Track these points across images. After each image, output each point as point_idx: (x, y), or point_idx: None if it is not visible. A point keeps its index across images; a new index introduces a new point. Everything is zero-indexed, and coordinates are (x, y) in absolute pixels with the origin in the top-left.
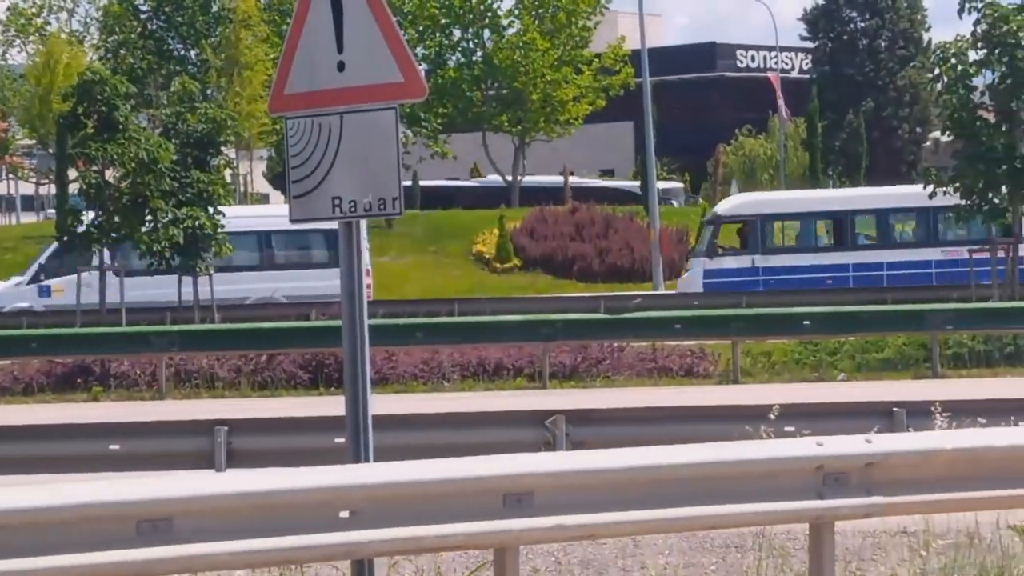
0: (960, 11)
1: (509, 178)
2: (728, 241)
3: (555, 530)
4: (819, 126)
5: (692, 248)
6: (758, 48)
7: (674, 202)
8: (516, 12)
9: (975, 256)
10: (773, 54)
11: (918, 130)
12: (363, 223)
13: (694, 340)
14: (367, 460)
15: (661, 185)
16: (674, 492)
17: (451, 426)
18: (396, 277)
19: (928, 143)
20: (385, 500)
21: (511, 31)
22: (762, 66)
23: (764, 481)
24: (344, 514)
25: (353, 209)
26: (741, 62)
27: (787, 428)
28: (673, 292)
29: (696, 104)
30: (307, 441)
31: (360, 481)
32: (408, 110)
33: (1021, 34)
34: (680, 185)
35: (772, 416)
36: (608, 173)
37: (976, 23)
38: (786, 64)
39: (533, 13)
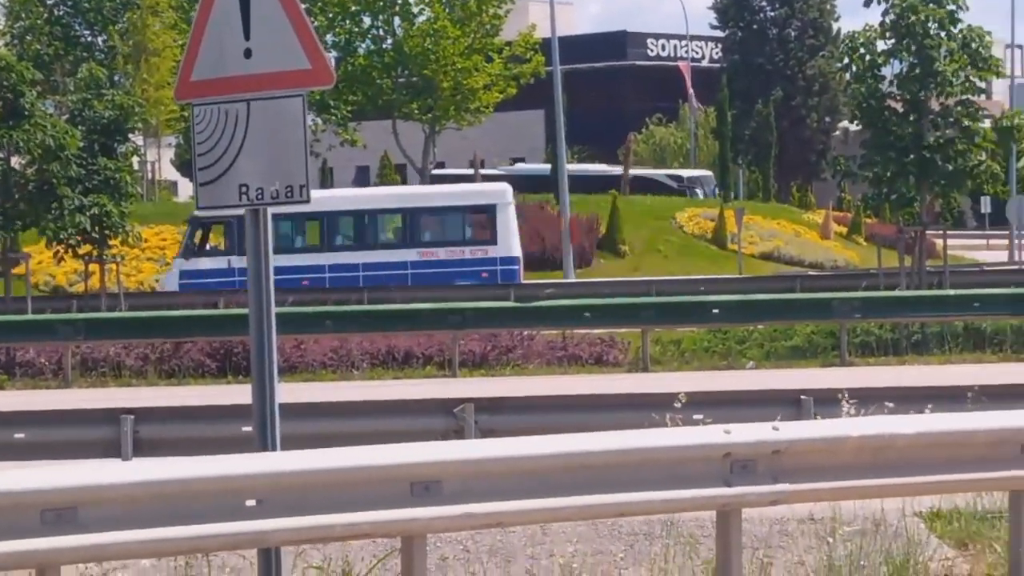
0: (868, 1)
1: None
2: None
3: (463, 518)
4: (729, 115)
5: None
6: (669, 37)
7: (698, 191)
8: (426, 0)
9: (426, 257)
10: (684, 43)
11: (827, 119)
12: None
13: (604, 328)
14: (274, 449)
15: (688, 173)
16: (582, 480)
17: (360, 415)
18: None
19: (837, 132)
20: (292, 489)
21: (421, 19)
22: (673, 55)
23: (672, 469)
24: (251, 502)
25: (260, 197)
26: (652, 51)
27: (696, 416)
28: (584, 280)
29: (607, 93)
30: (214, 430)
31: (267, 470)
32: (317, 97)
33: (929, 24)
34: (709, 173)
35: (679, 404)
36: (518, 161)
37: (884, 13)
38: (696, 53)
39: (444, 1)
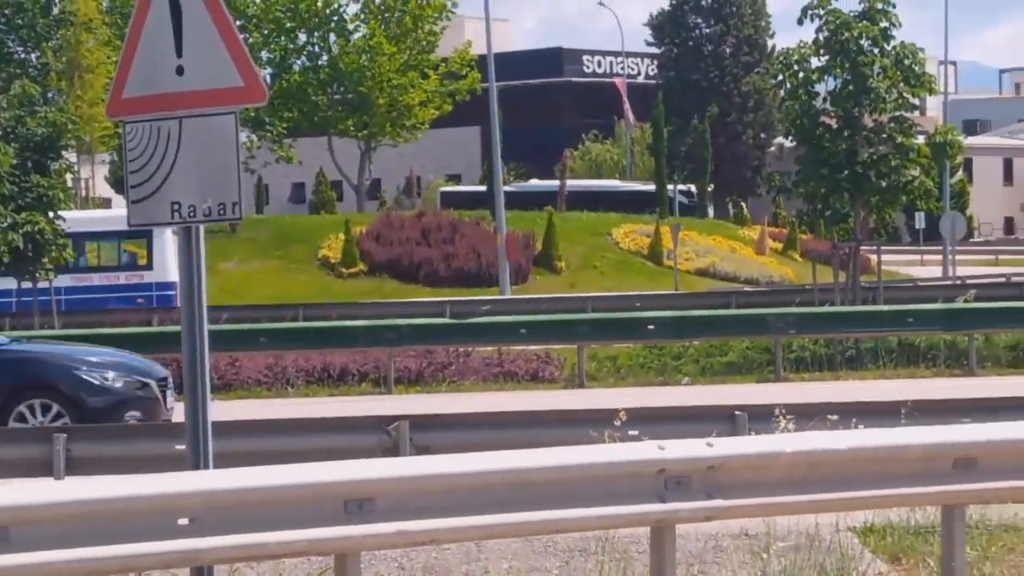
0: (802, 18)
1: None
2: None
3: (397, 536)
4: (665, 131)
5: None
6: (605, 54)
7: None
8: (362, 16)
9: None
10: (620, 60)
11: (763, 136)
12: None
13: (540, 345)
14: (207, 467)
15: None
16: (517, 497)
17: (294, 432)
18: (240, 282)
19: (772, 148)
20: (225, 507)
21: (357, 35)
22: (609, 71)
23: (607, 485)
24: (183, 521)
25: (192, 214)
26: (588, 67)
27: (631, 432)
28: (520, 297)
29: (543, 109)
30: (147, 448)
31: (199, 488)
32: (252, 114)
33: (862, 41)
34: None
35: (619, 421)
36: (455, 178)
37: (818, 30)
38: (632, 70)
39: (379, 17)
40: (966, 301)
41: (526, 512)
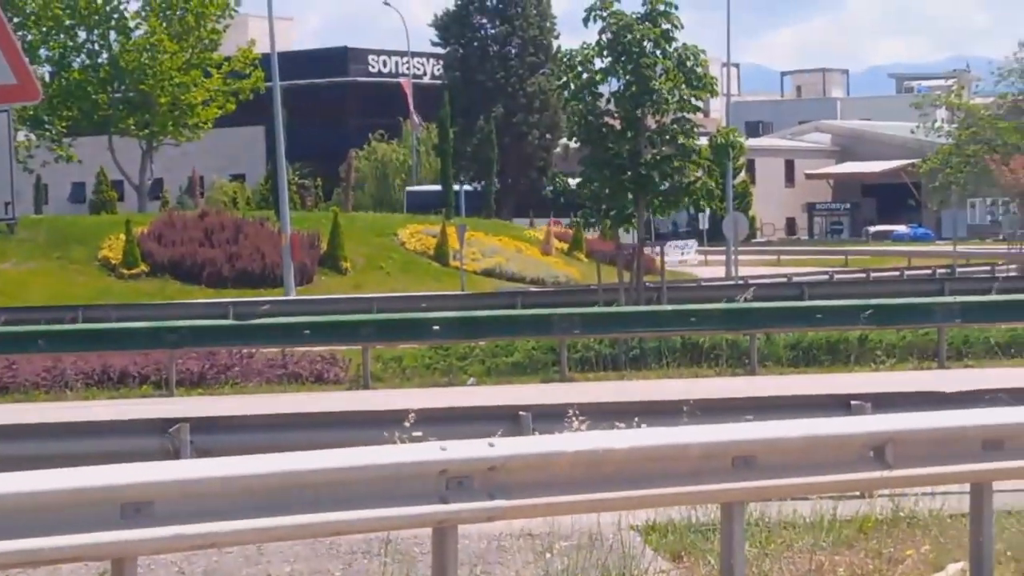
0: (586, 20)
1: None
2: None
3: (175, 540)
4: (451, 131)
5: None
6: (391, 53)
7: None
8: (143, 14)
9: None
10: (405, 59)
11: (548, 136)
12: None
13: (324, 346)
14: None
15: None
16: (298, 499)
17: (71, 436)
18: (18, 284)
19: (558, 149)
20: None
21: (138, 33)
22: (395, 71)
23: (389, 486)
24: None
25: None
26: (373, 67)
27: (415, 433)
28: (305, 298)
29: (328, 109)
30: None
31: None
32: (31, 113)
33: (645, 43)
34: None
35: (408, 423)
36: (239, 178)
37: (601, 31)
38: (418, 70)
39: (161, 15)
40: (745, 301)
41: (307, 514)
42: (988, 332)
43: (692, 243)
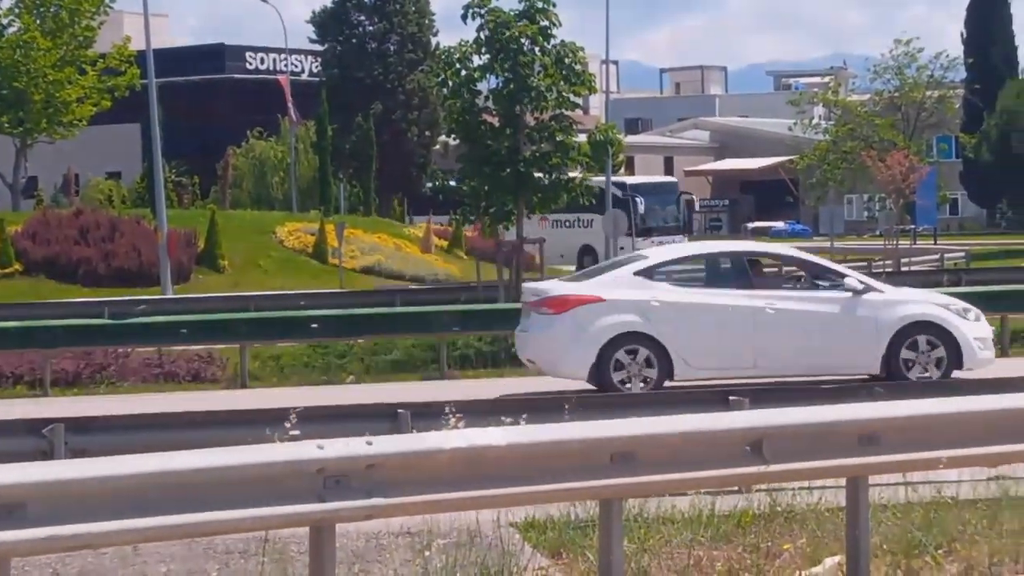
0: (464, 17)
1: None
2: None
3: (48, 541)
4: (329, 129)
5: None
6: (268, 50)
7: (639, 200)
8: (16, 11)
9: None
10: (283, 56)
11: (427, 133)
12: None
13: (202, 345)
14: None
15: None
16: (173, 499)
17: None
18: None
19: (437, 146)
20: None
21: (11, 30)
22: (272, 68)
23: (265, 486)
24: None
25: None
26: (251, 64)
27: (294, 432)
28: (182, 296)
29: (205, 106)
30: None
31: None
32: None
33: (523, 40)
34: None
35: (289, 423)
36: (116, 175)
37: (479, 29)
38: (296, 67)
39: (34, 12)
40: None
41: (183, 514)
42: None
43: (679, 239)
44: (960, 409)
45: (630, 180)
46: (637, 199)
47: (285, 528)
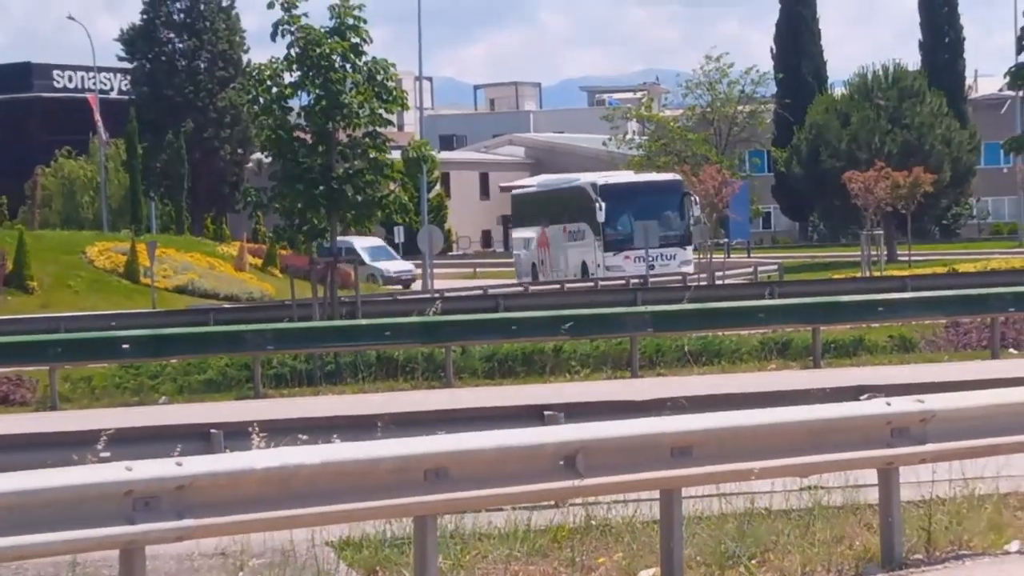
0: (274, 35)
1: None
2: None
3: None
4: (139, 147)
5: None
6: (76, 68)
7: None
8: None
9: None
10: (92, 75)
11: (240, 151)
12: None
13: (10, 367)
14: None
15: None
16: None
17: None
18: None
19: (251, 164)
20: None
21: None
22: (81, 87)
23: (73, 509)
24: None
25: None
26: (59, 82)
27: (104, 454)
28: None
29: (12, 125)
30: None
31: None
32: None
33: (334, 57)
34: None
35: (101, 445)
36: None
37: (290, 46)
38: (105, 85)
39: None
40: (433, 314)
41: None
42: (680, 340)
43: (677, 253)
44: (771, 420)
45: (601, 178)
46: (600, 204)
47: (95, 551)
